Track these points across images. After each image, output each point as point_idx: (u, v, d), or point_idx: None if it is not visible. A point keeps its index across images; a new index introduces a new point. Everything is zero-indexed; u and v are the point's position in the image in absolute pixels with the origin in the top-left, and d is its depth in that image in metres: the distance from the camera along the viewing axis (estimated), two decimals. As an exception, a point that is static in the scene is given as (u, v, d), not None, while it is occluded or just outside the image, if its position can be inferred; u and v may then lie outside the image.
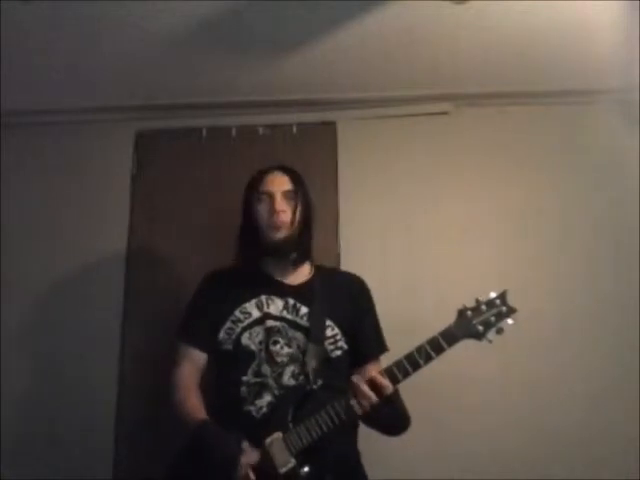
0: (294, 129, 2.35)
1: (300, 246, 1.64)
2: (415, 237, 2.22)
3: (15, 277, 2.24)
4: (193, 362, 1.63)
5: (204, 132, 2.37)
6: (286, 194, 1.63)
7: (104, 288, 2.23)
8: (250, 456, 1.39)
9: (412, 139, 2.31)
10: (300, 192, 1.66)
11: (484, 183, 2.26)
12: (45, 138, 2.38)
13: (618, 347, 2.07)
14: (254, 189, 1.66)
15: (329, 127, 2.33)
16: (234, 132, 2.36)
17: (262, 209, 1.63)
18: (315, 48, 1.98)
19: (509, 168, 2.27)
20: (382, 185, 2.28)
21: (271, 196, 1.62)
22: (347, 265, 2.03)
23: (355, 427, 1.58)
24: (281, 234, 1.61)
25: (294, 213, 1.62)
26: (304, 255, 1.67)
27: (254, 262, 1.69)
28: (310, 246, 1.68)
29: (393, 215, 2.25)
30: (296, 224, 1.62)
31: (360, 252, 2.17)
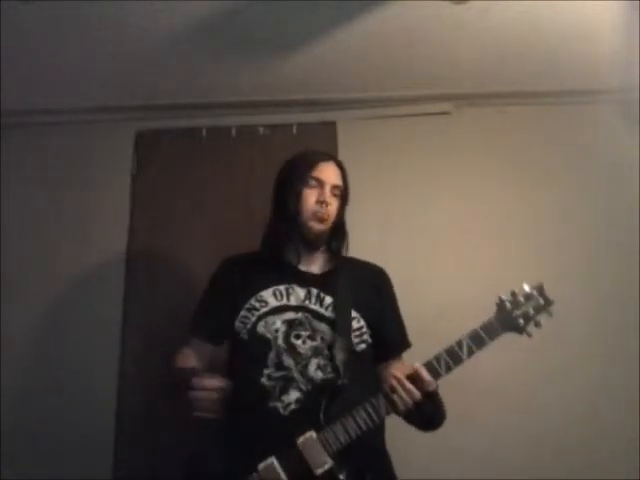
0: (294, 129, 2.35)
1: (334, 242, 1.59)
2: (415, 237, 2.22)
3: (15, 277, 2.24)
4: (196, 350, 1.58)
5: (204, 132, 2.37)
6: (334, 188, 1.56)
7: (104, 288, 2.23)
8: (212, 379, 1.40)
9: (412, 139, 2.31)
10: (346, 190, 1.60)
11: (484, 183, 2.26)
12: (45, 138, 2.38)
13: (618, 347, 2.07)
14: (304, 171, 1.55)
15: (329, 127, 2.33)
16: (234, 132, 2.36)
17: (309, 194, 1.53)
18: (315, 48, 1.98)
19: (509, 168, 2.27)
20: (382, 185, 2.28)
21: (322, 185, 1.54)
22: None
23: (384, 425, 1.49)
24: (322, 227, 1.54)
25: (337, 208, 1.57)
26: (336, 251, 1.61)
27: (280, 248, 1.58)
28: (343, 244, 1.62)
29: (393, 215, 2.25)
30: (334, 220, 1.57)
31: (360, 252, 2.17)
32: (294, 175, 1.56)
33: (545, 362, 2.06)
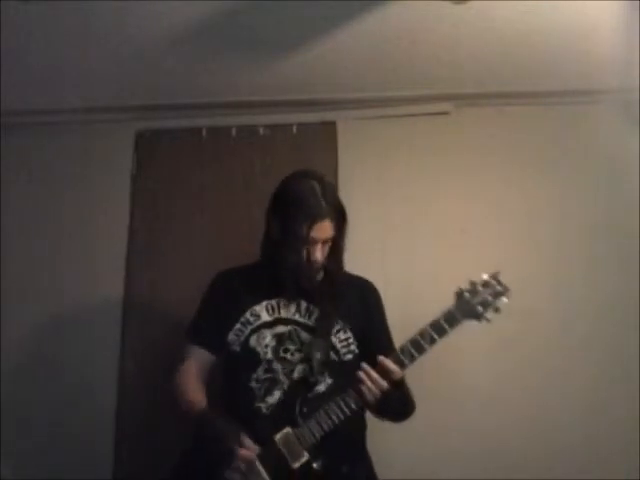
0: (294, 129, 2.35)
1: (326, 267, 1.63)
2: (415, 237, 2.22)
3: (15, 277, 2.24)
4: (197, 361, 1.63)
5: (204, 132, 2.37)
6: (325, 241, 1.58)
7: (104, 288, 2.23)
8: (248, 450, 1.38)
9: (412, 139, 2.31)
10: (338, 234, 1.60)
11: (484, 183, 2.26)
12: (45, 138, 2.38)
13: (618, 347, 2.07)
14: (299, 232, 1.53)
15: (329, 127, 2.33)
16: (234, 132, 2.36)
17: (300, 247, 1.56)
18: (315, 48, 1.98)
19: (509, 168, 2.27)
20: (382, 185, 2.28)
21: (313, 244, 1.56)
22: (347, 265, 2.03)
23: (364, 425, 1.60)
24: (308, 278, 1.60)
25: (326, 256, 1.60)
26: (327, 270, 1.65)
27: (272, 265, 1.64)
28: (337, 270, 1.66)
29: (393, 215, 2.25)
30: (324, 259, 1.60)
31: (360, 252, 2.17)
32: (289, 227, 1.54)
33: (545, 362, 2.07)
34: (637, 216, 2.12)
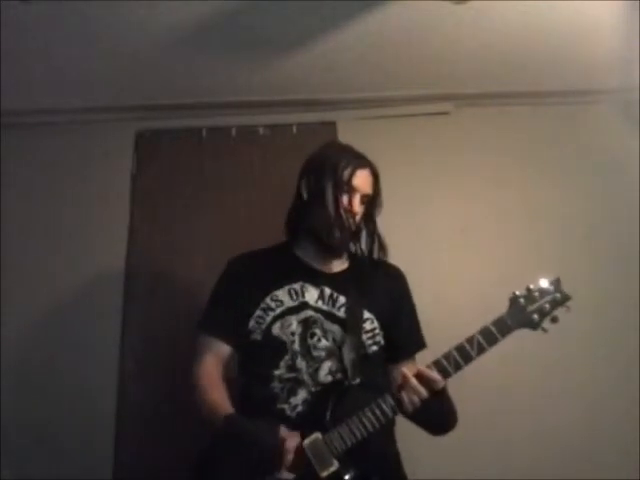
0: (294, 129, 2.35)
1: (353, 244, 1.57)
2: (415, 237, 2.21)
3: (15, 277, 2.24)
4: (216, 355, 1.49)
5: (204, 132, 2.36)
6: (364, 197, 1.53)
7: (104, 288, 2.23)
8: (292, 440, 1.27)
9: (412, 139, 2.31)
10: (375, 198, 1.56)
11: (484, 183, 2.26)
12: (45, 138, 2.38)
13: (618, 347, 2.07)
14: (341, 176, 1.48)
15: (329, 127, 2.33)
16: (234, 132, 2.36)
17: (339, 198, 1.48)
18: (315, 48, 1.98)
19: (509, 168, 2.27)
20: (382, 185, 2.27)
21: (354, 192, 1.49)
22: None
23: (393, 424, 1.46)
24: (345, 233, 1.49)
25: (361, 217, 1.54)
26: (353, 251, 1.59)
27: (293, 247, 1.57)
28: (373, 247, 1.59)
29: (393, 215, 2.24)
30: (356, 226, 1.53)
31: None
32: (326, 177, 1.50)
33: (544, 362, 2.06)
34: (637, 216, 2.13)
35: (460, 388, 2.04)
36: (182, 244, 2.25)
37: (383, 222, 2.23)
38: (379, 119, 2.32)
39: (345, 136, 2.31)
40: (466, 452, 2.00)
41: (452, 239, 2.20)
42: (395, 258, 2.18)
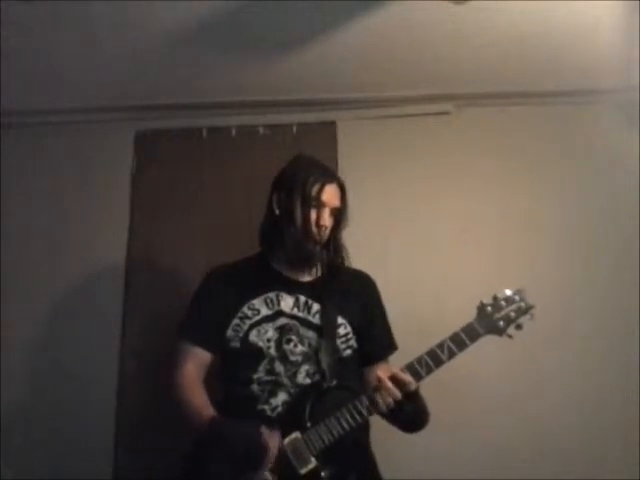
0: (294, 129, 2.35)
1: (325, 255, 1.62)
2: (415, 237, 2.22)
3: (15, 277, 2.24)
4: (196, 361, 1.56)
5: (204, 132, 2.37)
6: (333, 210, 1.59)
7: (104, 288, 2.23)
8: (273, 439, 1.35)
9: (412, 139, 2.31)
10: (343, 210, 1.62)
11: (484, 183, 2.26)
12: (45, 138, 2.38)
13: (618, 347, 2.07)
14: (309, 193, 1.55)
15: (329, 127, 2.34)
16: (234, 132, 2.36)
17: (308, 214, 1.55)
18: (315, 48, 1.98)
19: (509, 168, 2.27)
20: (382, 185, 2.28)
21: (322, 207, 1.56)
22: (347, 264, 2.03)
23: (369, 425, 1.54)
24: (314, 247, 1.56)
25: (331, 229, 1.60)
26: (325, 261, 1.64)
27: (268, 257, 1.63)
28: (337, 258, 1.65)
29: (393, 215, 2.25)
30: (326, 239, 1.60)
31: (360, 252, 2.17)
32: (294, 193, 1.56)
33: (545, 362, 2.06)
34: (637, 215, 2.13)
35: (460, 389, 2.06)
36: (182, 244, 2.25)
37: (383, 222, 2.25)
38: (379, 119, 2.33)
39: (345, 136, 2.32)
40: (466, 453, 2.00)
41: (452, 239, 2.20)
42: (395, 258, 2.20)
